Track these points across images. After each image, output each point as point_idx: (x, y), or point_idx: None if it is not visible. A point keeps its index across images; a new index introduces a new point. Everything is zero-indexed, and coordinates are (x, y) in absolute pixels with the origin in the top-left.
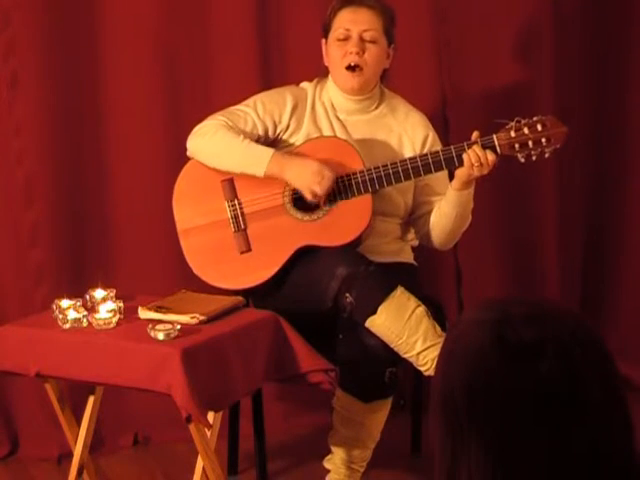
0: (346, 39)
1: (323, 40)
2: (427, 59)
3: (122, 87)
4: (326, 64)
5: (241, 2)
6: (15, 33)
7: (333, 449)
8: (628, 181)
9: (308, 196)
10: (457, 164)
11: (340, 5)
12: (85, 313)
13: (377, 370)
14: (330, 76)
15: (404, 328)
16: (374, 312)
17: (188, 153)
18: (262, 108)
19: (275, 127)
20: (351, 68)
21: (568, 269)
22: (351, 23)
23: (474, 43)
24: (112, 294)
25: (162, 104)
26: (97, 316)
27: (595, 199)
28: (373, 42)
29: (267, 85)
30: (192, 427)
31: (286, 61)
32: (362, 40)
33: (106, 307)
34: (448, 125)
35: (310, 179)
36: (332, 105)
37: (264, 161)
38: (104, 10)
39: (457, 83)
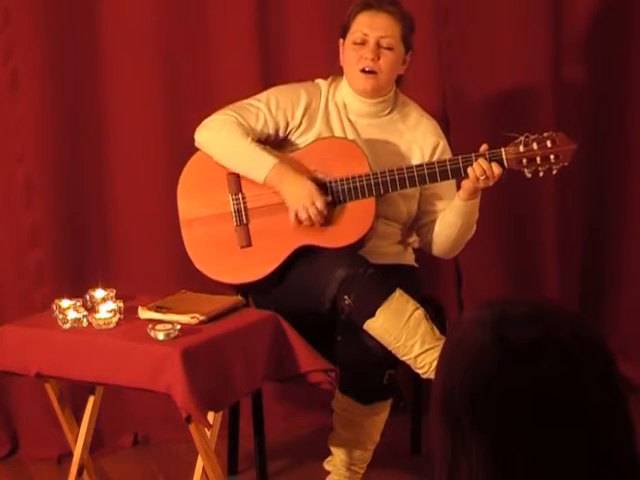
0: (363, 43)
1: (341, 40)
2: (428, 60)
3: (122, 86)
4: (341, 64)
5: (241, 2)
6: (15, 33)
7: (333, 451)
8: (628, 182)
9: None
10: (463, 175)
11: (360, 8)
12: (85, 313)
13: (376, 372)
14: (344, 76)
15: (402, 331)
16: (372, 315)
17: (196, 144)
18: (275, 104)
19: (287, 124)
20: (365, 71)
21: (568, 269)
22: (369, 28)
23: (475, 44)
24: (112, 294)
25: (162, 104)
26: (97, 316)
27: (595, 199)
28: (389, 49)
29: (267, 85)
30: (192, 427)
31: (286, 61)
32: (378, 46)
33: (106, 307)
34: (449, 126)
35: (300, 201)
36: (344, 105)
37: (265, 169)
38: (104, 9)
39: (458, 84)
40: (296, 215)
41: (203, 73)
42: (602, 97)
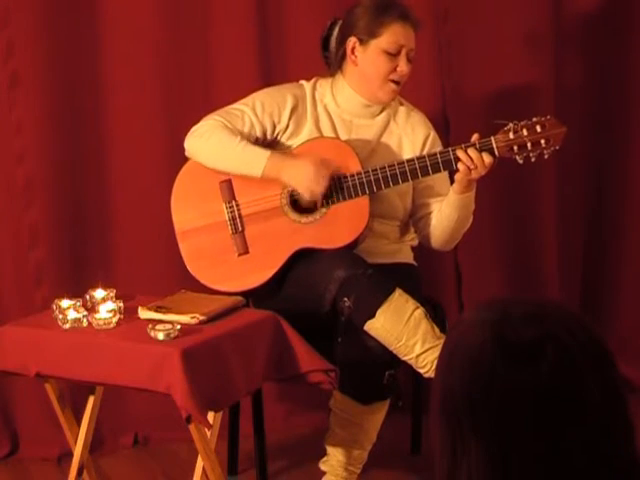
0: (396, 54)
1: (354, 39)
2: (428, 59)
3: (122, 87)
4: (352, 64)
5: (242, 3)
6: (15, 33)
7: (329, 450)
8: (628, 181)
9: (306, 196)
10: (455, 166)
11: (395, 17)
12: (85, 313)
13: (376, 372)
14: (345, 77)
15: (403, 331)
16: (372, 316)
17: (186, 153)
18: (261, 108)
19: (274, 127)
20: (396, 83)
21: (568, 269)
22: (405, 40)
23: (475, 43)
24: (112, 294)
25: (162, 104)
26: (97, 316)
27: (595, 199)
28: (411, 61)
29: (267, 85)
30: (192, 427)
31: (286, 61)
32: (407, 59)
33: (106, 307)
34: (448, 125)
35: (308, 179)
36: (336, 105)
37: (261, 162)
38: (104, 9)
39: (458, 83)
40: (311, 195)
41: (203, 73)
42: (602, 97)
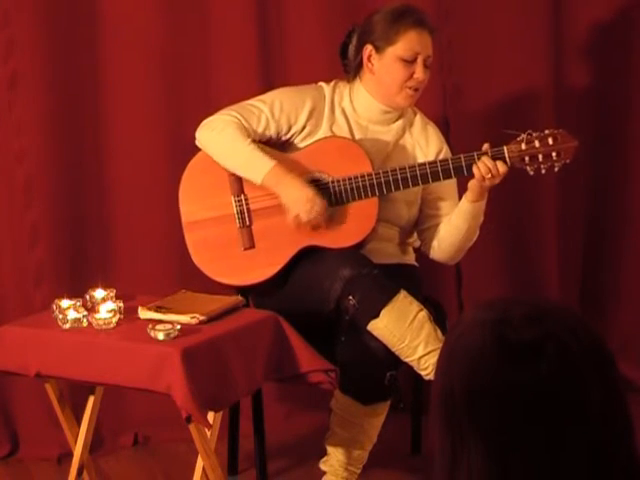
0: (412, 61)
1: (369, 47)
2: None
3: (122, 86)
4: (369, 72)
5: (242, 2)
6: (15, 33)
7: (330, 451)
8: (628, 182)
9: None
10: (466, 173)
11: (411, 24)
12: (85, 313)
13: (377, 373)
14: (363, 84)
15: (406, 332)
16: (376, 315)
17: (196, 142)
18: (279, 108)
19: (290, 128)
20: (414, 89)
21: (568, 269)
22: (421, 47)
23: (475, 43)
24: (112, 294)
25: (162, 103)
26: (97, 316)
27: (595, 199)
28: (429, 67)
29: (267, 85)
30: (192, 427)
31: (286, 62)
32: (424, 65)
33: (106, 307)
34: (449, 126)
35: (300, 204)
36: (354, 110)
37: (263, 170)
38: (104, 9)
39: (458, 84)
40: (295, 218)
41: (203, 73)
42: (603, 98)
